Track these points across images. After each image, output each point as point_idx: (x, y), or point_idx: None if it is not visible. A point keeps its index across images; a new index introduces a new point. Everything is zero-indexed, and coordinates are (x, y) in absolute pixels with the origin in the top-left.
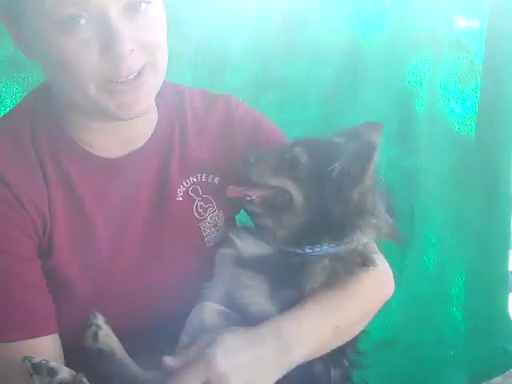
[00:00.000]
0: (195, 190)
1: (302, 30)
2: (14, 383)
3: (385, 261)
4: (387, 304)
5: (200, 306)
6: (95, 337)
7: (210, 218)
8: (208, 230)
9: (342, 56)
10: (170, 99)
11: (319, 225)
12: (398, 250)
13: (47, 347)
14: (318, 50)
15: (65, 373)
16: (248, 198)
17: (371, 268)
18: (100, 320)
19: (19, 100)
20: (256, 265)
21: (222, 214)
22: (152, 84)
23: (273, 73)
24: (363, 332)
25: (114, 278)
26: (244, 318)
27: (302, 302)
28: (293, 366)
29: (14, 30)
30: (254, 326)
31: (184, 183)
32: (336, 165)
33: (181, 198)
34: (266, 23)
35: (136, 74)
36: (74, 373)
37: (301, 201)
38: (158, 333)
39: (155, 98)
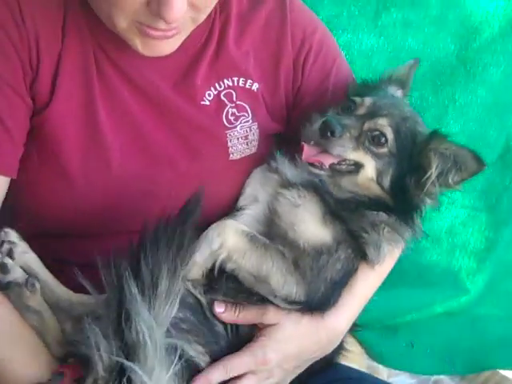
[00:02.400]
0: (229, 95)
1: None
2: None
3: None
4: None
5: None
6: (10, 254)
7: (241, 128)
8: (235, 141)
9: None
10: None
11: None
12: (492, 224)
13: None
14: None
15: (18, 273)
16: (318, 164)
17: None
18: (13, 236)
19: None
20: (304, 188)
21: (256, 127)
22: (184, 33)
23: None
24: None
25: (118, 176)
26: (283, 242)
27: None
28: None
29: None
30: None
31: (217, 86)
32: (434, 168)
33: (207, 102)
34: None
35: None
36: (26, 276)
37: (370, 175)
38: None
39: None
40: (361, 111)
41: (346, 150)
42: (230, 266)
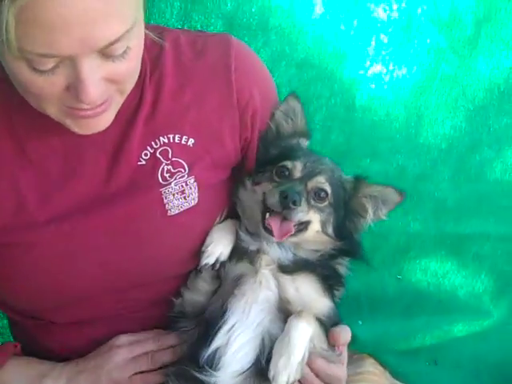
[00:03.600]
0: (164, 152)
1: None
2: None
3: None
4: None
5: None
6: None
7: (175, 184)
8: (171, 197)
9: None
10: (147, 53)
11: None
12: None
13: None
14: None
15: None
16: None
17: None
18: None
19: None
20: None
21: (193, 180)
22: (115, 106)
23: None
24: None
25: (59, 240)
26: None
27: None
28: None
29: None
30: None
31: (153, 144)
32: (370, 210)
33: (143, 162)
34: None
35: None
36: None
37: (316, 228)
38: None
39: None
40: (297, 174)
41: (304, 214)
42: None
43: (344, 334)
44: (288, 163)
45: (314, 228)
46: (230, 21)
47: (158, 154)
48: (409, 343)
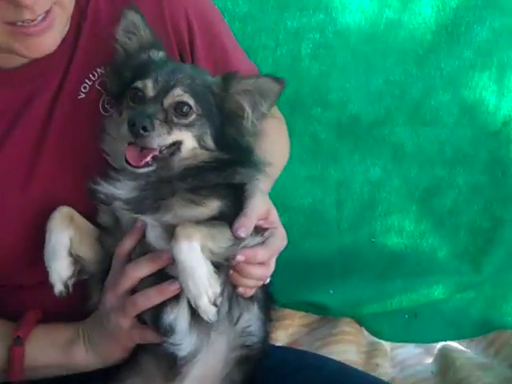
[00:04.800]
0: (103, 84)
1: None
2: None
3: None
4: None
5: None
6: None
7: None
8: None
9: None
10: None
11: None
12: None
13: None
14: None
15: None
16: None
17: None
18: None
19: None
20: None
21: None
22: (59, 22)
23: None
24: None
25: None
26: None
27: None
28: None
29: None
30: None
31: (91, 76)
32: (247, 107)
33: (83, 95)
34: None
35: (43, 15)
36: None
37: (191, 145)
38: None
39: None
40: (151, 93)
41: (165, 137)
42: (215, 257)
43: (249, 216)
44: (138, 83)
45: (188, 146)
46: None
47: (97, 86)
48: (384, 307)
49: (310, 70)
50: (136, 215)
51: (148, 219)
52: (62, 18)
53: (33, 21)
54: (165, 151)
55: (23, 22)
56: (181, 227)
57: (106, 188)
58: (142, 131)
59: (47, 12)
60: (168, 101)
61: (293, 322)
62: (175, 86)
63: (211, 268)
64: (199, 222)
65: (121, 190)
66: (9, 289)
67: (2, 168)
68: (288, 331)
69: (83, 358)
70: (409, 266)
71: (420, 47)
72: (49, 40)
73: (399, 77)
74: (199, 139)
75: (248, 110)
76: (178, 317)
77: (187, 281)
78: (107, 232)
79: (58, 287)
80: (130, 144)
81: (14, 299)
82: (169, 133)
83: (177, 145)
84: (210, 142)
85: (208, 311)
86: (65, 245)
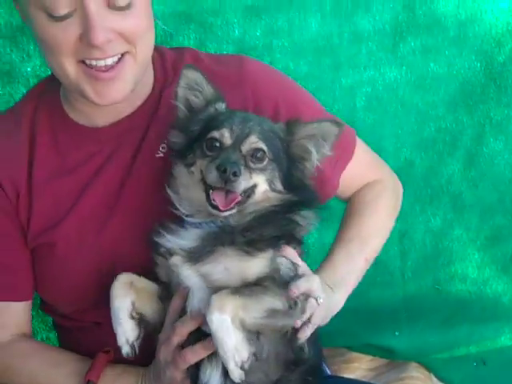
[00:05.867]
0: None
1: None
2: None
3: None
4: None
5: None
6: None
7: None
8: None
9: None
10: (169, 62)
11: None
12: None
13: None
14: None
15: None
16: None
17: None
18: None
19: None
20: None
21: None
22: (130, 74)
23: None
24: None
25: (90, 231)
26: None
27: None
28: (338, 309)
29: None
30: None
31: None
32: (313, 150)
33: (161, 154)
34: None
35: (115, 60)
36: None
37: (264, 189)
38: None
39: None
40: (227, 142)
41: (248, 181)
42: (248, 326)
43: (302, 285)
44: (215, 133)
45: (261, 189)
46: (239, 45)
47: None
48: (451, 353)
49: (364, 120)
50: (190, 266)
51: (194, 279)
52: (134, 70)
53: (105, 65)
54: (242, 195)
55: (95, 64)
56: (216, 296)
57: (168, 240)
58: (231, 176)
59: (119, 60)
60: (245, 148)
61: (360, 365)
62: (250, 133)
63: (240, 337)
64: (239, 289)
65: (184, 240)
66: (87, 324)
67: (83, 214)
68: (356, 374)
69: None
70: (474, 312)
71: (470, 98)
72: (117, 88)
73: (450, 125)
74: (270, 182)
75: (313, 152)
76: (213, 374)
77: (217, 346)
78: (165, 287)
79: (125, 349)
80: (215, 189)
81: (91, 335)
82: (250, 177)
83: (251, 189)
84: (279, 185)
85: (235, 373)
86: (127, 309)
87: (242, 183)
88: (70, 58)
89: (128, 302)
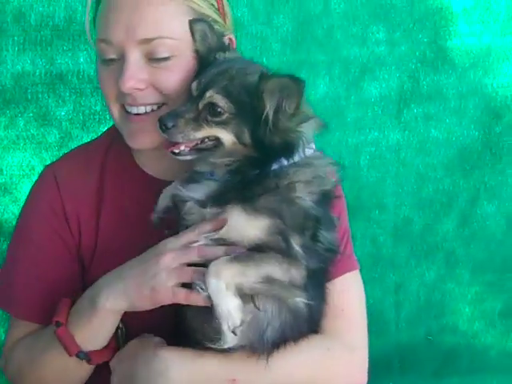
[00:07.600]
0: None
1: None
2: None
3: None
4: None
5: None
6: None
7: None
8: None
9: None
10: None
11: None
12: None
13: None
14: None
15: None
16: (176, 151)
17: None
18: None
19: None
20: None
21: None
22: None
23: None
24: None
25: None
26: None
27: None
28: None
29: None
30: None
31: None
32: (268, 106)
33: None
34: None
35: (148, 109)
36: None
37: (231, 140)
38: None
39: None
40: (194, 94)
41: (187, 133)
42: (245, 290)
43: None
44: (192, 84)
45: (229, 141)
46: None
47: None
48: None
49: (368, 177)
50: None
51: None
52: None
53: (137, 113)
54: (204, 145)
55: (129, 110)
56: (213, 263)
57: (183, 192)
58: (164, 127)
59: (156, 109)
60: (203, 102)
61: None
62: (209, 88)
63: (234, 303)
64: (237, 256)
65: (197, 192)
66: None
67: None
68: None
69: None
70: (463, 363)
71: (467, 164)
72: (145, 137)
73: (447, 187)
74: (237, 136)
75: (269, 108)
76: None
77: (213, 308)
78: None
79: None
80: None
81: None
82: (195, 129)
83: (214, 140)
84: (247, 139)
85: (226, 336)
86: None
87: (177, 135)
88: (114, 101)
89: None
